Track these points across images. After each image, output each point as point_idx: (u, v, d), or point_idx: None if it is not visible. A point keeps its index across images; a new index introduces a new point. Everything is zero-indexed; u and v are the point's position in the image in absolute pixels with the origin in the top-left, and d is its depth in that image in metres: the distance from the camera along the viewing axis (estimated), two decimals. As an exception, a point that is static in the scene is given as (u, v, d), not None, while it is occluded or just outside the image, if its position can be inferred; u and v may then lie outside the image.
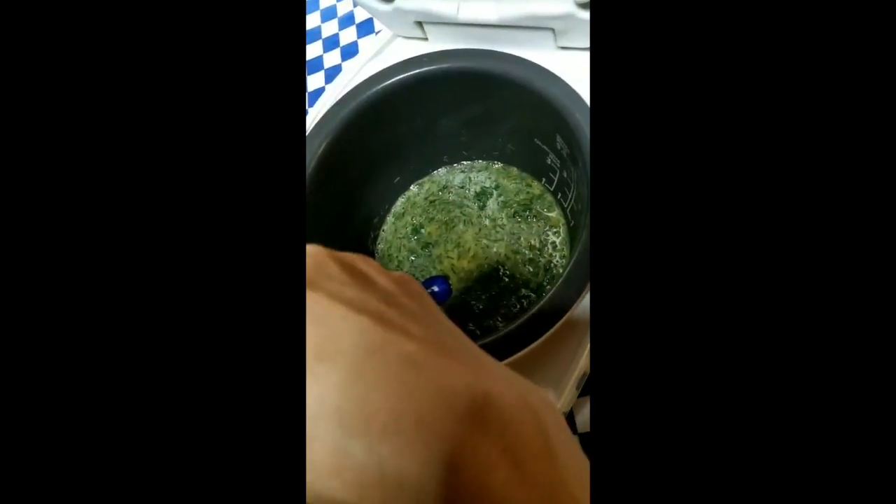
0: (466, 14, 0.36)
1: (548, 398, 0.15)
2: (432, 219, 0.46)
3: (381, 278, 0.17)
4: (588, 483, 0.14)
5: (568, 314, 0.29)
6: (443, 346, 0.15)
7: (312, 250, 0.17)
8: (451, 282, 0.43)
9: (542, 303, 0.30)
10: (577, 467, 0.15)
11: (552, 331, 0.29)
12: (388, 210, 0.48)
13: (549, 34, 0.36)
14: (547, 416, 0.15)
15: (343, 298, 0.15)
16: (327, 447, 0.13)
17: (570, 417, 0.38)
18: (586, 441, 0.37)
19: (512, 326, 0.30)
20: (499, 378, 0.15)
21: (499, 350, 0.30)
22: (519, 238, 0.43)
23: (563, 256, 0.42)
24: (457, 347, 0.16)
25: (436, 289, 0.42)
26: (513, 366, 0.30)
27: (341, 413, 0.13)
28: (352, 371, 0.13)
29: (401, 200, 0.48)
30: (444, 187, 0.47)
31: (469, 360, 0.15)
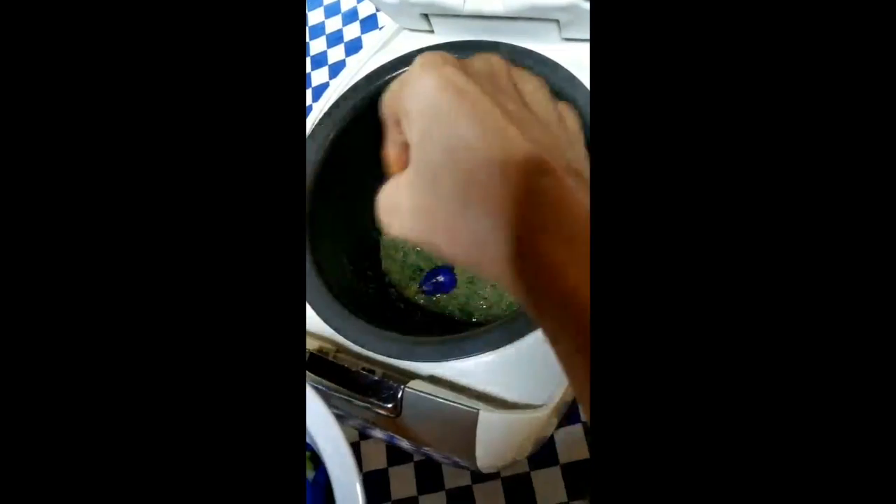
0: (472, 6, 0.37)
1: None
2: (437, 210, 0.46)
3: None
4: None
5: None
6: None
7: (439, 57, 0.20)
8: (455, 272, 0.43)
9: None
10: None
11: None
12: (394, 202, 0.48)
13: (554, 25, 0.36)
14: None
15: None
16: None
17: (574, 406, 0.38)
18: (586, 433, 0.37)
19: (517, 313, 0.30)
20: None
21: (504, 335, 0.30)
22: (523, 229, 0.44)
23: (568, 247, 0.42)
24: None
25: (441, 279, 0.43)
26: (519, 351, 0.30)
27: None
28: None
29: (406, 193, 0.48)
30: (449, 179, 0.48)
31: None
